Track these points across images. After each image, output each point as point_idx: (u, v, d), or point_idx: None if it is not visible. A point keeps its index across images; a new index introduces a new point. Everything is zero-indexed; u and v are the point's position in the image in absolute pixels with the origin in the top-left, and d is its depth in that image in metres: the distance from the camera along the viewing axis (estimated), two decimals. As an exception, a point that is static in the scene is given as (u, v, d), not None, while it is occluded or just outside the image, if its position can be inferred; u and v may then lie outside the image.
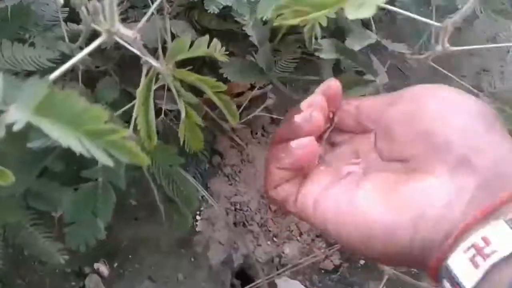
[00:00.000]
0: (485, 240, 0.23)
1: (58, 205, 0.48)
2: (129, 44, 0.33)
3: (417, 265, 0.26)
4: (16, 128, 0.23)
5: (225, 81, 0.48)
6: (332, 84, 0.31)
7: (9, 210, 0.45)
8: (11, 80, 0.26)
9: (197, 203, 0.53)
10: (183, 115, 0.36)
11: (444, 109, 0.27)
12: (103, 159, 0.21)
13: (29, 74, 0.47)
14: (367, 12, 0.27)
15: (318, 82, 0.33)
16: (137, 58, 0.36)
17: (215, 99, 0.37)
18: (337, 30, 0.53)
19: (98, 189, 0.45)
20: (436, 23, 0.35)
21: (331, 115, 0.32)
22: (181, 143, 0.38)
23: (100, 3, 0.27)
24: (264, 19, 0.39)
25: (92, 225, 0.45)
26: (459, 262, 0.24)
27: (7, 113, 0.24)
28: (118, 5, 0.28)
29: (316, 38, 0.42)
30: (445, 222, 0.24)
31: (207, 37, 0.38)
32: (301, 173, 0.31)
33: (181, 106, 0.36)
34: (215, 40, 0.39)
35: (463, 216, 0.24)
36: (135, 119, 0.35)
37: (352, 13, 0.27)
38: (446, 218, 0.25)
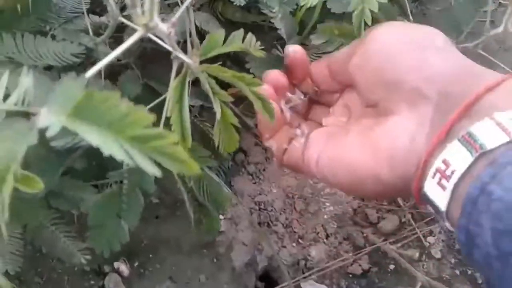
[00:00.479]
0: (445, 162, 0.24)
1: (79, 204, 0.46)
2: (159, 38, 0.31)
3: (407, 196, 0.29)
4: (49, 134, 0.20)
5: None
6: (297, 49, 0.34)
7: (31, 211, 0.43)
8: (41, 78, 0.24)
9: (227, 205, 0.51)
10: (218, 115, 0.33)
11: (391, 49, 0.28)
12: (150, 169, 0.19)
13: (48, 68, 0.44)
14: None
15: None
16: (158, 51, 0.34)
17: (252, 97, 0.34)
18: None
19: (123, 190, 0.43)
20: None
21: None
22: (215, 145, 0.35)
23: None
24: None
25: (116, 229, 0.43)
26: (431, 188, 0.25)
27: (38, 117, 0.21)
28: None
29: (366, 24, 0.39)
30: (413, 155, 0.26)
31: (241, 31, 0.36)
32: (291, 134, 0.35)
33: (217, 105, 0.33)
34: (249, 34, 0.37)
35: (426, 144, 0.26)
36: (168, 118, 0.33)
37: None
38: (413, 151, 0.26)
